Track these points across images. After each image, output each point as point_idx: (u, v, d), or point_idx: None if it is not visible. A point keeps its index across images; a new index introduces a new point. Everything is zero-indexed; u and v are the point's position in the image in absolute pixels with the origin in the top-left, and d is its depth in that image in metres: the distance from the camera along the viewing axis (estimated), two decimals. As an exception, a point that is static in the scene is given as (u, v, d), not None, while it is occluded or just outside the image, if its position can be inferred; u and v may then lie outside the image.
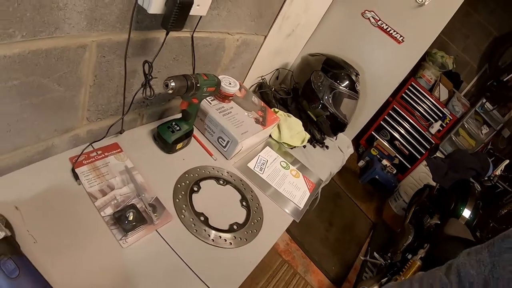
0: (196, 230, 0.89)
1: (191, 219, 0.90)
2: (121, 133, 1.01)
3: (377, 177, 3.40)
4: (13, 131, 0.70)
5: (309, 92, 1.47)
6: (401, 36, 1.55)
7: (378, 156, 3.70)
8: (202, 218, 0.92)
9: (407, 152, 3.77)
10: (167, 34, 0.77)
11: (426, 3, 1.46)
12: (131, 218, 0.81)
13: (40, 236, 0.69)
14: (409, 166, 3.74)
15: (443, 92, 3.83)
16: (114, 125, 0.92)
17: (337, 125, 1.52)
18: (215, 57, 1.15)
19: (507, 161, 2.63)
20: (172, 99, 1.14)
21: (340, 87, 1.45)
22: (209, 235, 0.89)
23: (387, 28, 1.57)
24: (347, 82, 1.47)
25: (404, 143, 3.78)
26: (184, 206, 0.93)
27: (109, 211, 0.81)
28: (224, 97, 1.20)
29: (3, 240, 0.57)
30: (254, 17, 1.16)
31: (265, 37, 1.32)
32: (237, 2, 1.02)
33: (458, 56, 4.01)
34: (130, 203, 0.85)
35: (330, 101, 1.45)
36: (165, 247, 0.82)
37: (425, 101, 3.72)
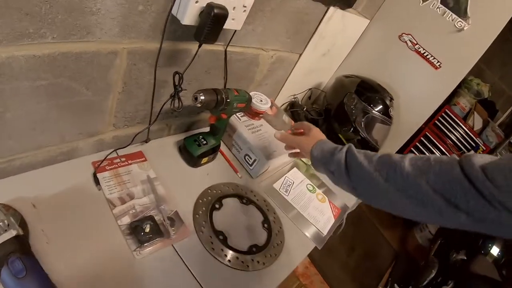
0: (214, 249, 0.84)
1: (210, 237, 0.86)
2: (146, 142, 0.99)
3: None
4: (38, 130, 0.70)
5: (341, 114, 1.41)
6: (438, 61, 1.47)
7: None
8: (221, 237, 0.88)
9: None
10: (199, 46, 0.74)
11: (465, 28, 1.38)
12: (147, 230, 0.77)
13: (53, 237, 0.67)
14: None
15: (477, 121, 3.64)
16: (140, 133, 0.90)
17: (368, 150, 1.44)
18: (248, 72, 1.12)
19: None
20: (202, 112, 1.11)
21: (373, 111, 1.39)
22: (226, 255, 0.84)
23: (424, 52, 1.49)
24: (381, 106, 1.40)
25: None
26: (203, 222, 0.88)
27: (126, 220, 0.78)
28: (254, 114, 1.16)
29: (14, 238, 0.56)
30: (290, 34, 1.12)
31: (300, 55, 1.28)
32: (273, 18, 0.99)
33: (495, 84, 3.80)
34: (148, 214, 0.82)
35: (362, 125, 1.38)
36: (179, 263, 0.78)
37: (458, 129, 3.53)
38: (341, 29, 1.37)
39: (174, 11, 0.69)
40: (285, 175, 1.21)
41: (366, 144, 1.41)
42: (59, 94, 0.66)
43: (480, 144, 3.46)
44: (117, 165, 0.89)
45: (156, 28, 0.71)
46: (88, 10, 0.57)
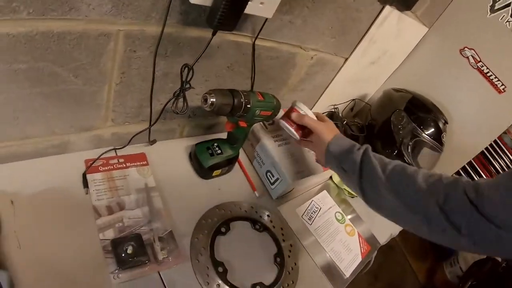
0: (208, 283, 0.68)
1: (207, 267, 0.70)
2: (152, 143, 0.84)
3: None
4: (22, 119, 0.61)
5: (386, 133, 1.20)
6: (502, 84, 1.20)
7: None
8: (220, 269, 0.71)
9: None
10: (213, 34, 0.58)
11: None
12: (130, 251, 0.62)
13: (26, 242, 0.58)
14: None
15: None
16: (140, 133, 0.75)
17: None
18: (281, 73, 0.93)
19: None
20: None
21: (424, 134, 1.16)
22: None
23: (488, 72, 1.23)
24: (433, 130, 1.17)
25: None
26: (202, 249, 0.73)
27: (109, 234, 0.65)
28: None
29: None
30: (336, 33, 0.93)
31: (346, 59, 1.08)
32: (317, 10, 0.80)
33: None
34: (136, 231, 0.68)
35: (409, 149, 1.16)
36: None
37: (505, 159, 3.23)
38: (395, 35, 1.15)
39: (184, -14, 0.53)
40: (312, 199, 1.02)
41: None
42: (42, 80, 0.55)
43: None
44: (112, 167, 0.75)
45: (160, 6, 0.55)
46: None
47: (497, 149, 3.21)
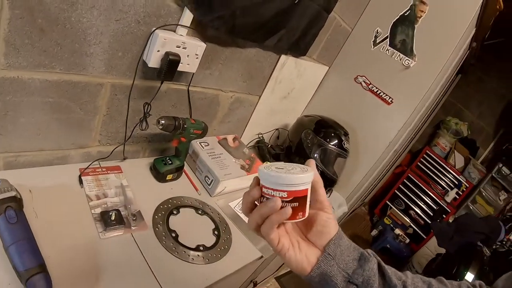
0: (165, 242, 1.15)
1: (163, 233, 1.18)
2: (124, 159, 1.38)
3: (388, 246, 3.53)
4: (42, 135, 1.09)
5: (301, 149, 1.80)
6: (390, 97, 1.89)
7: (392, 226, 3.85)
8: (173, 235, 1.19)
9: (422, 222, 3.97)
10: (161, 83, 1.19)
11: (411, 65, 1.80)
12: (113, 218, 1.12)
13: (41, 214, 1.00)
14: (424, 236, 3.91)
15: (458, 160, 4.18)
16: (117, 149, 1.30)
17: (326, 181, 1.79)
18: (210, 109, 1.54)
19: (523, 225, 2.75)
20: (171, 140, 1.50)
21: (329, 145, 1.76)
22: (175, 248, 1.14)
23: (377, 90, 1.92)
24: (336, 140, 1.78)
25: (419, 213, 4.00)
26: (160, 222, 1.22)
27: (98, 210, 1.13)
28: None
29: (13, 197, 0.90)
30: (246, 78, 1.56)
31: (259, 97, 1.71)
32: (228, 64, 1.43)
33: (473, 123, 4.41)
34: (116, 209, 1.16)
35: (318, 158, 1.75)
36: (135, 249, 1.08)
37: (441, 169, 4.01)
38: (297, 75, 1.81)
39: (144, 57, 1.13)
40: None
41: (324, 176, 1.77)
42: (60, 110, 1.06)
43: (463, 182, 3.93)
44: (98, 173, 1.27)
45: (131, 69, 1.13)
46: (84, 53, 0.99)
47: (431, 161, 3.96)
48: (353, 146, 1.89)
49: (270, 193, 0.60)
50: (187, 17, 1.13)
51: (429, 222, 3.89)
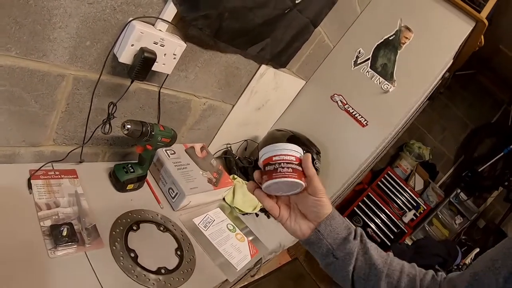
0: (123, 264, 1.03)
1: (121, 252, 1.06)
2: (81, 162, 1.23)
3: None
4: None
5: (270, 165, 1.71)
6: (365, 120, 1.86)
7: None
8: (132, 255, 1.08)
9: (379, 240, 4.04)
10: (131, 82, 1.05)
11: (390, 90, 1.79)
12: (64, 233, 0.98)
13: None
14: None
15: (418, 182, 4.37)
16: (74, 151, 1.15)
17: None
18: (180, 115, 1.42)
19: (477, 250, 2.90)
20: (135, 144, 1.37)
21: (299, 163, 1.70)
22: (134, 271, 1.03)
23: (353, 111, 1.88)
24: (307, 159, 1.72)
25: (377, 231, 4.07)
26: (118, 239, 1.09)
27: (48, 223, 0.98)
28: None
29: None
30: (222, 85, 1.46)
31: (233, 106, 1.61)
32: (205, 68, 1.32)
33: (435, 148, 4.63)
34: (68, 222, 1.03)
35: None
36: (88, 270, 0.96)
37: (400, 190, 4.20)
38: (274, 87, 1.73)
39: (115, 50, 0.99)
40: (207, 213, 1.46)
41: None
42: (11, 101, 0.91)
43: (421, 204, 4.11)
44: (50, 177, 1.12)
45: (99, 61, 1.00)
46: (47, 37, 0.85)
47: (392, 181, 4.09)
48: (323, 165, 1.84)
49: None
50: (170, 11, 1.01)
51: (386, 240, 3.97)
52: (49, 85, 0.95)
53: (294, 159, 0.78)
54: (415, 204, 4.10)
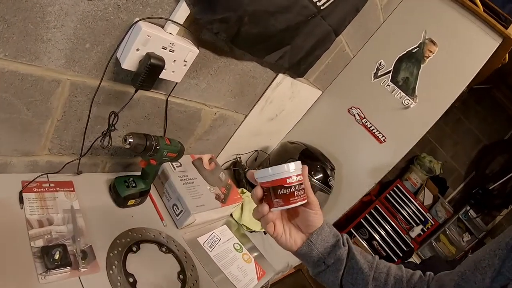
0: None
1: (119, 277, 0.96)
2: (78, 174, 1.13)
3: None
4: None
5: (282, 180, 1.61)
6: (383, 136, 1.74)
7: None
8: (130, 280, 0.98)
9: (384, 254, 3.90)
10: (135, 91, 0.93)
11: (411, 106, 1.68)
12: (57, 257, 0.88)
13: None
14: (386, 270, 3.90)
15: (427, 197, 4.23)
16: (71, 163, 1.05)
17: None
18: (189, 125, 1.31)
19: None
20: (138, 155, 1.27)
21: (313, 179, 1.59)
22: None
23: (371, 126, 1.76)
24: (321, 175, 1.61)
25: (382, 244, 3.93)
26: (116, 262, 0.99)
27: (39, 243, 0.89)
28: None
29: None
30: (235, 94, 1.35)
31: (246, 116, 1.50)
32: (218, 76, 1.21)
33: (447, 162, 4.49)
34: (62, 243, 0.92)
35: (300, 193, 1.58)
36: None
37: (409, 204, 4.10)
38: (290, 97, 1.62)
39: (118, 54, 0.88)
40: (213, 231, 1.35)
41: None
42: (2, 107, 0.81)
43: (429, 219, 3.96)
44: (44, 189, 1.02)
45: (99, 66, 0.89)
46: (39, 37, 0.74)
47: (400, 195, 4.00)
48: (336, 181, 1.73)
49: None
50: (182, 12, 0.90)
51: (391, 255, 3.85)
52: (43, 91, 0.85)
53: (302, 178, 0.77)
54: (423, 219, 3.97)
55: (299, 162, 0.76)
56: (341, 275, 0.84)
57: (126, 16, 0.83)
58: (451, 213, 4.20)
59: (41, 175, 1.03)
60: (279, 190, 0.74)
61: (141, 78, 0.89)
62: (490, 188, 4.03)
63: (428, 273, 0.89)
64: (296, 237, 0.84)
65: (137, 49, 0.86)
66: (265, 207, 0.76)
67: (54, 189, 1.04)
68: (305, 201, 0.77)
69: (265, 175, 0.75)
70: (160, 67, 0.90)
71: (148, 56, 0.87)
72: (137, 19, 0.84)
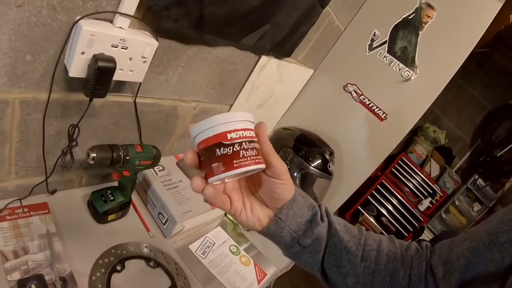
0: None
1: None
2: (53, 193, 1.04)
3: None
4: None
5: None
6: (384, 113, 1.62)
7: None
8: None
9: (394, 229, 3.86)
10: (90, 100, 0.82)
11: (412, 78, 1.54)
12: (33, 290, 0.81)
13: None
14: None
15: (434, 168, 4.15)
16: (40, 184, 0.97)
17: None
18: (166, 125, 1.21)
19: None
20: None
21: (311, 167, 1.49)
22: None
23: (370, 103, 1.64)
24: (319, 161, 1.51)
25: (392, 220, 3.88)
26: (99, 285, 0.92)
27: (16, 276, 0.81)
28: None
29: None
30: (215, 84, 1.23)
31: (231, 106, 1.39)
32: (191, 67, 1.09)
33: (451, 131, 4.39)
34: (39, 273, 0.85)
35: (298, 182, 1.48)
36: None
37: (415, 177, 4.04)
38: (277, 80, 1.50)
39: (65, 60, 0.77)
40: (206, 235, 1.27)
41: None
42: None
43: (438, 191, 3.89)
44: (17, 216, 0.93)
45: (48, 78, 0.78)
46: (-27, 58, 0.64)
47: (406, 168, 3.90)
48: (337, 165, 1.62)
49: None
50: (130, 1, 0.77)
51: (401, 230, 3.80)
52: (-8, 115, 0.75)
53: (254, 134, 0.58)
54: (431, 191, 3.91)
55: (250, 114, 0.58)
56: (321, 257, 0.68)
57: (66, 17, 0.72)
58: (459, 183, 4.13)
59: (13, 201, 0.95)
60: (218, 150, 0.54)
61: (91, 84, 0.77)
62: (498, 155, 3.94)
63: (424, 243, 0.74)
64: (260, 213, 0.66)
65: (82, 53, 0.74)
66: (199, 178, 0.58)
67: (28, 214, 0.96)
68: (260, 165, 0.56)
69: (199, 131, 0.55)
70: (112, 69, 0.78)
71: (95, 58, 0.75)
72: (79, 17, 0.73)
